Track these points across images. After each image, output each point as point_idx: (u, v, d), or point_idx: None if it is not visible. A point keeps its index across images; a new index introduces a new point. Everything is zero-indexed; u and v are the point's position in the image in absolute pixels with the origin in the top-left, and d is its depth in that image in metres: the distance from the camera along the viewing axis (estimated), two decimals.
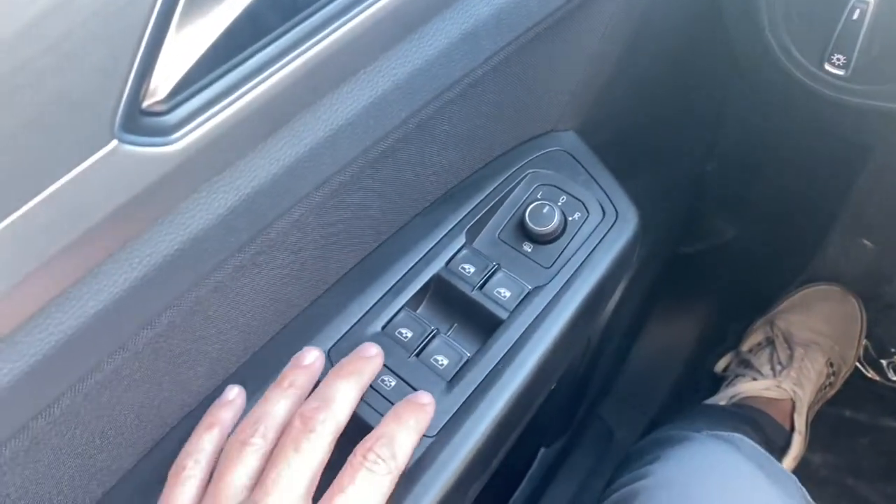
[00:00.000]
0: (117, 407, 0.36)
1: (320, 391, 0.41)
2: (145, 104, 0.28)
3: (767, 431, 0.90)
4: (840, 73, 0.50)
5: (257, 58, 0.30)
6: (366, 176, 0.41)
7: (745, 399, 0.99)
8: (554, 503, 1.02)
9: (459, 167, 0.52)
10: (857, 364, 1.14)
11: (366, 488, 0.37)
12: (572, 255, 0.52)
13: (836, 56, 0.49)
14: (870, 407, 1.14)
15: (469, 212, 0.53)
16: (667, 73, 0.66)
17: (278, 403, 0.41)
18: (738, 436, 0.63)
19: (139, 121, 0.28)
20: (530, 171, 0.55)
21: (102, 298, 0.29)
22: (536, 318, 0.49)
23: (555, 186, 0.55)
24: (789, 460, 0.99)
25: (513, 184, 0.55)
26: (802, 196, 1.05)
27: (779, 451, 0.94)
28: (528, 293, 0.50)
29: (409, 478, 0.43)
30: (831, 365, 1.07)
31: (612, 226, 0.53)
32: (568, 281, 0.51)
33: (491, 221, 0.54)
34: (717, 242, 1.11)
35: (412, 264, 0.51)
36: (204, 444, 0.40)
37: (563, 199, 0.54)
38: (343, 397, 0.41)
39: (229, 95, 0.30)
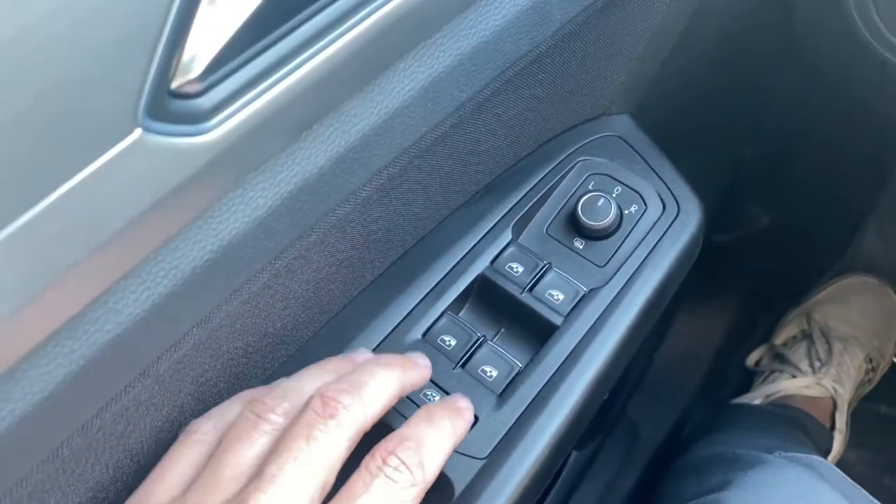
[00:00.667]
0: (134, 434, 0.31)
1: (352, 375, 0.33)
2: (175, 84, 0.23)
3: (812, 434, 0.85)
4: None
5: (304, 29, 0.25)
6: (414, 167, 0.36)
7: (783, 397, 0.94)
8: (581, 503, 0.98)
9: (505, 155, 0.47)
10: (894, 358, 1.09)
11: (382, 501, 0.30)
12: (630, 254, 0.47)
13: None
14: None
15: (515, 204, 0.48)
16: (721, 54, 0.60)
17: (311, 382, 0.33)
18: (817, 459, 0.57)
19: (168, 105, 0.22)
20: (581, 158, 0.50)
21: (121, 321, 0.24)
22: (594, 323, 0.44)
23: (608, 176, 0.50)
24: (829, 460, 0.94)
25: (562, 173, 0.49)
26: (840, 182, 1.00)
27: (823, 453, 0.89)
28: (584, 296, 0.45)
29: None
30: (870, 360, 1.02)
31: (673, 220, 0.48)
32: (627, 282, 0.46)
33: (538, 215, 0.49)
34: (750, 231, 1.06)
35: (454, 263, 0.46)
36: (229, 412, 0.33)
37: (617, 189, 0.49)
38: (377, 387, 0.33)
39: (273, 74, 0.25)
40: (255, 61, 0.24)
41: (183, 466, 0.31)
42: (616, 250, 0.47)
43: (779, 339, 1.06)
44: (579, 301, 0.45)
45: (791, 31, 0.62)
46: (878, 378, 1.06)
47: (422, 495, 0.31)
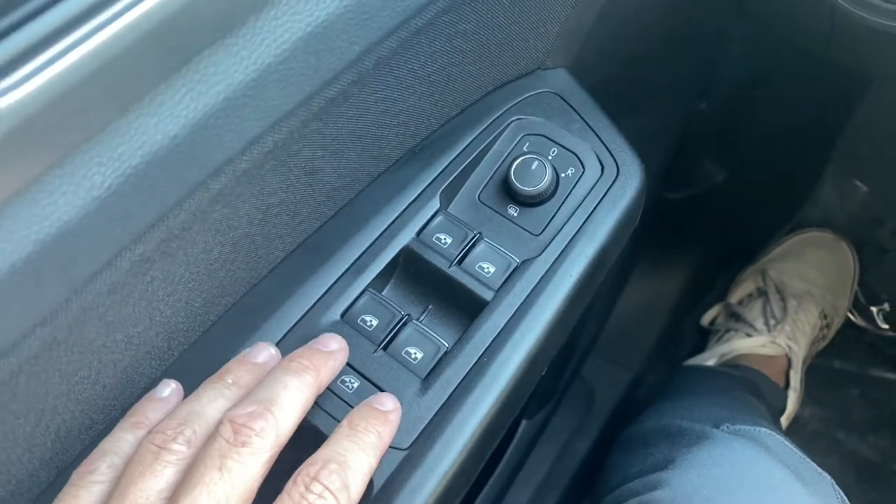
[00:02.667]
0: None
1: (261, 390, 0.31)
2: None
3: (767, 395, 0.84)
4: None
5: None
6: (312, 131, 0.31)
7: (738, 357, 0.93)
8: (536, 468, 0.96)
9: (430, 116, 0.43)
10: (848, 313, 1.09)
11: None
12: (567, 220, 0.44)
13: None
14: (859, 356, 1.09)
15: (443, 170, 0.44)
16: (666, 3, 0.57)
17: (213, 402, 0.31)
18: (764, 431, 0.55)
19: None
20: (515, 118, 0.46)
21: None
22: (527, 298, 0.41)
23: (544, 136, 0.46)
24: (784, 419, 0.94)
25: (494, 134, 0.46)
26: (796, 136, 0.97)
27: (777, 413, 0.88)
28: (517, 267, 0.42)
29: (378, 501, 0.35)
30: (825, 316, 1.01)
31: (612, 183, 0.45)
32: (563, 251, 0.42)
33: (469, 181, 0.45)
34: (705, 187, 1.03)
35: (376, 236, 0.42)
36: (123, 444, 0.31)
37: (553, 151, 0.45)
38: (290, 400, 0.31)
39: (89, 19, 0.20)
40: (54, 9, 0.20)
41: None
42: (552, 217, 0.44)
43: (734, 298, 1.05)
44: (511, 274, 0.42)
45: None
46: (832, 334, 1.05)
47: None
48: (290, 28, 0.25)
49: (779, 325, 0.96)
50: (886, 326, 1.10)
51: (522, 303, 0.41)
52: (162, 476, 0.29)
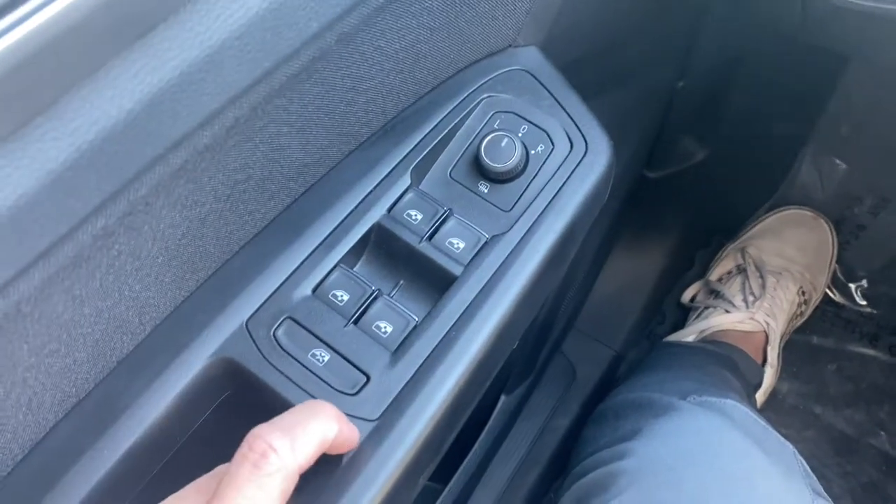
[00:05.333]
0: None
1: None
2: None
3: (743, 370, 0.85)
4: None
5: None
6: (276, 107, 0.32)
7: (716, 333, 0.94)
8: (516, 445, 0.97)
9: (401, 92, 0.43)
10: (826, 290, 1.10)
11: (250, 491, 0.28)
12: (536, 196, 0.44)
13: None
14: (837, 332, 1.11)
15: (414, 147, 0.45)
16: None
17: None
18: (730, 402, 0.56)
19: None
20: (485, 95, 0.47)
21: None
22: (495, 272, 0.42)
23: (514, 114, 0.46)
24: (760, 394, 0.95)
25: (465, 111, 0.46)
26: (775, 114, 0.98)
27: (753, 387, 0.90)
28: (486, 243, 0.43)
29: (347, 470, 0.36)
30: (803, 293, 1.03)
31: (581, 160, 0.45)
32: (531, 227, 0.43)
33: (440, 157, 0.46)
34: (685, 165, 1.04)
35: (347, 212, 0.42)
36: None
37: (524, 128, 0.46)
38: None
39: None
40: None
41: None
42: (522, 193, 0.45)
43: (714, 275, 1.06)
44: (480, 249, 0.43)
45: None
46: (810, 310, 1.07)
47: (292, 479, 0.29)
48: (246, 4, 0.26)
49: (757, 301, 0.98)
50: (864, 303, 1.11)
51: (491, 277, 0.41)
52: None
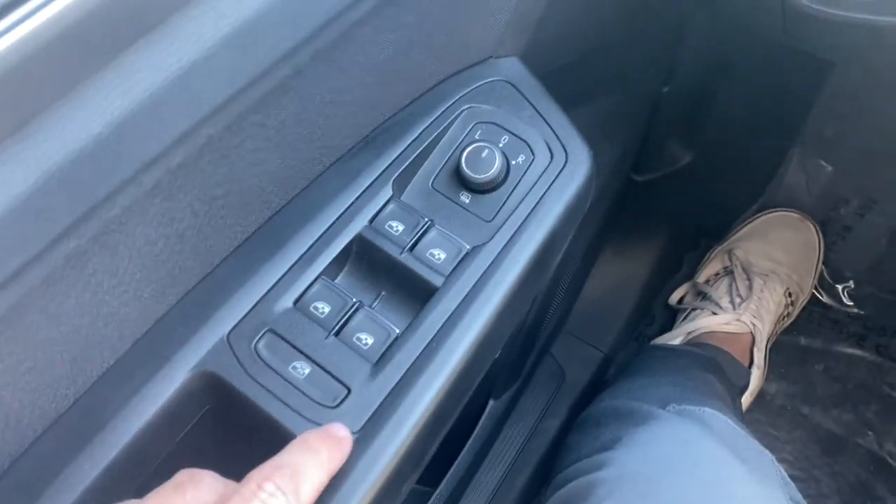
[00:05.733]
0: None
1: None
2: None
3: (729, 374, 0.86)
4: None
5: None
6: (252, 123, 0.32)
7: (703, 335, 0.95)
8: (506, 448, 0.98)
9: (381, 104, 0.44)
10: (813, 290, 1.11)
11: None
12: (517, 206, 0.44)
13: None
14: (824, 333, 1.12)
15: (396, 158, 0.45)
16: None
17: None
18: (708, 411, 0.57)
19: None
20: (466, 106, 0.47)
21: None
22: (476, 283, 0.42)
23: (495, 124, 0.47)
24: (747, 396, 0.96)
25: (446, 122, 0.46)
26: (761, 117, 0.99)
27: (739, 390, 0.90)
28: (467, 254, 0.43)
29: (328, 484, 0.36)
30: (789, 295, 1.03)
31: (561, 170, 0.46)
32: (512, 237, 0.43)
33: (422, 168, 0.46)
34: (672, 169, 1.05)
35: (328, 224, 0.43)
36: None
37: (504, 139, 0.46)
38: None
39: (7, 14, 0.20)
40: None
41: None
42: (503, 204, 0.45)
43: (701, 277, 1.07)
44: (461, 260, 0.43)
45: None
46: (797, 312, 1.07)
47: None
48: (215, 26, 0.26)
49: (744, 303, 0.98)
50: (851, 303, 1.12)
51: (472, 288, 0.42)
52: None
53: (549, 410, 1.01)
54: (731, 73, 0.92)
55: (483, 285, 0.42)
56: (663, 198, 1.07)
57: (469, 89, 0.47)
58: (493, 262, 0.43)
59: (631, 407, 0.58)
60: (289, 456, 0.32)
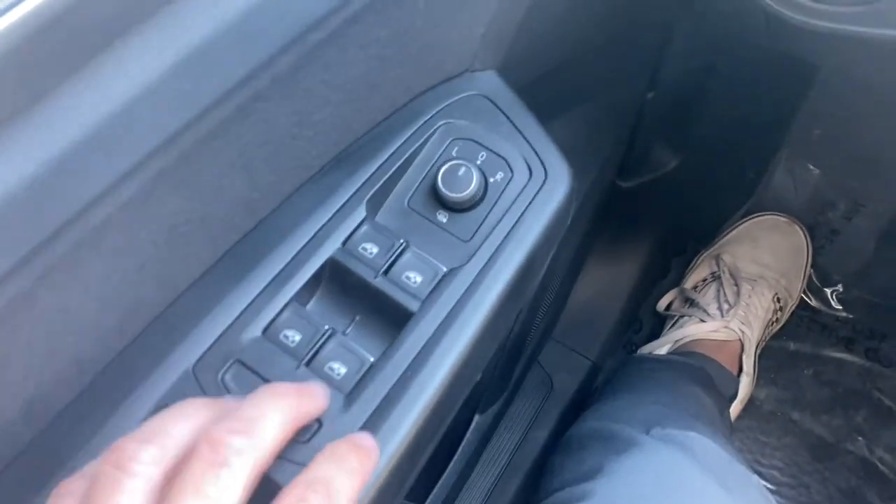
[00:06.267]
0: None
1: (241, 409, 0.30)
2: None
3: (718, 383, 0.85)
4: None
5: None
6: (212, 149, 0.30)
7: (691, 342, 0.94)
8: (494, 458, 0.96)
9: (354, 122, 0.42)
10: (802, 295, 1.10)
11: None
12: (495, 226, 0.43)
13: None
14: (813, 337, 1.11)
15: (369, 177, 0.43)
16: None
17: (180, 421, 0.29)
18: (693, 436, 0.56)
19: None
20: (442, 122, 0.45)
21: None
22: (454, 307, 0.40)
23: (472, 141, 0.45)
24: (737, 404, 0.95)
25: (422, 139, 0.45)
26: (747, 121, 0.98)
27: (728, 399, 0.89)
28: (444, 276, 0.41)
29: None
30: (778, 300, 1.02)
31: (540, 187, 0.44)
32: (491, 258, 0.42)
33: (397, 187, 0.44)
34: (658, 174, 1.03)
35: (299, 247, 0.41)
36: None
37: (482, 156, 0.45)
38: (272, 422, 0.29)
39: None
40: None
41: None
42: (481, 223, 0.43)
43: (689, 283, 1.05)
44: (438, 283, 0.41)
45: None
46: (785, 317, 1.07)
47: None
48: (160, 55, 0.24)
49: (732, 309, 0.97)
50: (839, 307, 1.11)
51: (449, 313, 0.40)
52: (130, 500, 0.26)
53: (537, 419, 1.00)
54: (717, 77, 0.91)
55: (461, 309, 0.40)
56: (650, 203, 1.06)
57: (445, 104, 0.46)
58: (471, 285, 0.41)
59: (613, 431, 0.57)
60: (320, 469, 0.30)
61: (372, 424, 0.37)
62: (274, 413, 0.30)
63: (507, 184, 0.44)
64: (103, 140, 0.24)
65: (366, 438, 0.34)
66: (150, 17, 0.23)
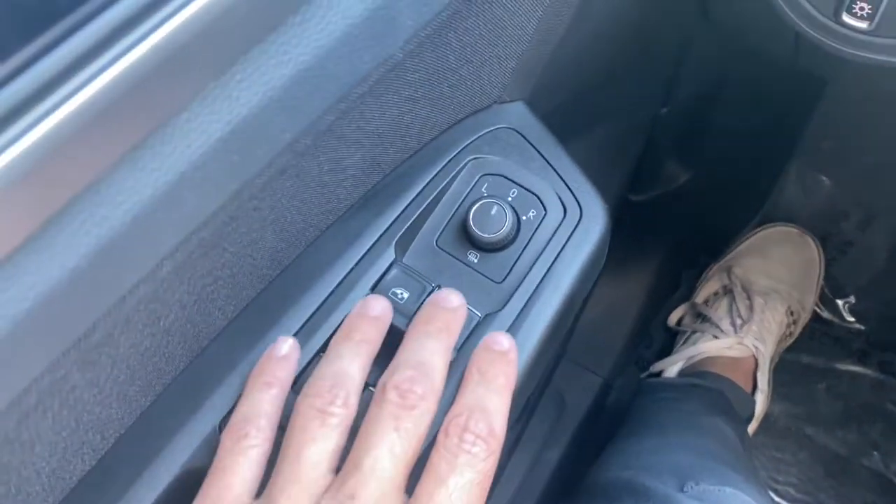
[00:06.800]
0: None
1: (411, 355, 0.34)
2: None
3: (735, 405, 0.83)
4: (862, 25, 0.39)
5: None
6: (247, 210, 0.29)
7: (704, 360, 0.92)
8: (507, 479, 0.95)
9: (381, 163, 0.40)
10: (814, 306, 1.09)
11: (469, 476, 0.31)
12: (530, 267, 0.41)
13: (860, 4, 0.38)
14: (826, 350, 1.09)
15: (397, 216, 0.42)
16: (626, 21, 0.54)
17: (353, 362, 0.34)
18: (728, 491, 0.54)
19: None
20: (471, 157, 0.44)
21: None
22: None
23: (503, 177, 0.43)
24: (753, 423, 0.93)
25: (450, 175, 0.43)
26: (758, 134, 0.96)
27: (745, 422, 0.88)
28: (478, 323, 0.40)
29: None
30: (791, 313, 1.01)
31: (575, 226, 0.42)
32: (527, 304, 0.40)
33: (426, 226, 0.43)
34: (669, 188, 1.02)
35: (326, 294, 0.39)
36: (264, 405, 0.33)
37: (513, 192, 0.43)
38: (438, 364, 0.34)
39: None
40: None
41: (247, 472, 0.31)
42: (514, 263, 0.42)
43: (700, 297, 1.04)
44: (473, 330, 0.39)
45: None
46: (798, 330, 1.05)
47: (498, 458, 0.32)
48: (206, 130, 0.22)
49: (745, 325, 0.96)
50: (852, 319, 1.10)
51: None
52: (330, 438, 0.31)
53: (549, 439, 0.98)
54: (729, 91, 0.89)
55: None
56: (661, 217, 1.05)
57: (473, 138, 0.44)
58: (508, 331, 0.39)
59: (645, 486, 0.56)
60: (471, 395, 0.33)
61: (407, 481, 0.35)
62: (436, 354, 0.34)
63: (541, 222, 0.42)
64: (148, 223, 0.22)
65: (502, 338, 0.36)
66: (199, 92, 0.21)
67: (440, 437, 0.32)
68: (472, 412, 0.32)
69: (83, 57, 0.18)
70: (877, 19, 0.38)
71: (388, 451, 0.31)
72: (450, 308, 0.37)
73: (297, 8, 0.23)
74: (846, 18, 0.39)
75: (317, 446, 0.31)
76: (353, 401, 0.33)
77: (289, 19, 0.23)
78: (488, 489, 0.32)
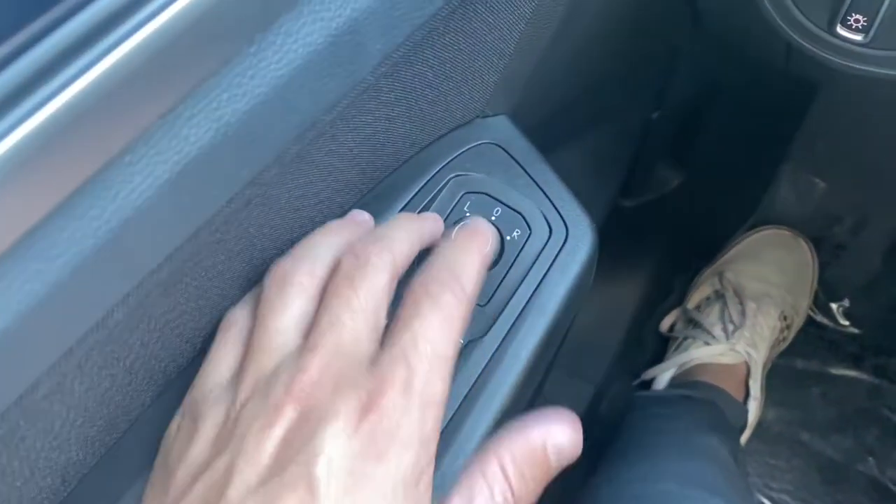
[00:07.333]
0: None
1: (375, 231, 0.34)
2: None
3: (728, 415, 0.82)
4: (857, 38, 0.38)
5: None
6: (209, 244, 0.27)
7: (696, 367, 0.91)
8: None
9: (357, 185, 0.39)
10: (808, 311, 1.07)
11: (435, 320, 0.30)
12: (514, 290, 0.40)
13: (855, 17, 0.36)
14: (820, 354, 1.08)
15: None
16: (615, 29, 0.53)
17: (323, 243, 0.33)
18: None
19: None
20: (453, 175, 0.42)
21: None
22: (474, 385, 0.37)
23: (486, 195, 0.42)
24: (746, 431, 0.92)
25: (431, 194, 0.41)
26: (750, 137, 0.95)
27: (738, 430, 0.87)
28: (462, 349, 0.38)
29: None
30: (784, 318, 1.00)
31: (561, 247, 0.41)
32: (511, 328, 0.39)
33: None
34: (661, 192, 1.01)
35: None
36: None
37: (497, 211, 0.41)
38: (403, 237, 0.33)
39: None
40: None
41: (230, 351, 0.31)
42: (498, 285, 0.40)
43: (692, 303, 1.03)
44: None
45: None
46: (792, 335, 1.04)
47: (469, 312, 0.32)
48: (153, 173, 0.21)
49: (737, 331, 0.94)
50: (847, 323, 1.09)
51: (468, 392, 0.37)
52: (293, 306, 0.30)
53: None
54: (721, 94, 0.88)
55: (482, 388, 0.37)
56: (652, 221, 1.04)
57: (455, 155, 0.42)
58: (491, 360, 0.38)
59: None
60: (440, 254, 0.33)
61: None
62: (401, 231, 0.34)
63: (525, 242, 0.41)
64: (92, 272, 0.20)
65: (480, 223, 0.36)
66: (143, 131, 0.20)
67: (405, 292, 0.31)
68: (436, 266, 0.32)
69: (9, 98, 0.17)
70: (872, 32, 0.36)
71: (346, 306, 0.30)
72: (423, 216, 0.37)
73: (253, 37, 0.21)
74: (841, 31, 0.37)
75: (279, 315, 0.30)
76: (320, 273, 0.32)
77: (244, 49, 0.21)
78: (457, 332, 0.31)
